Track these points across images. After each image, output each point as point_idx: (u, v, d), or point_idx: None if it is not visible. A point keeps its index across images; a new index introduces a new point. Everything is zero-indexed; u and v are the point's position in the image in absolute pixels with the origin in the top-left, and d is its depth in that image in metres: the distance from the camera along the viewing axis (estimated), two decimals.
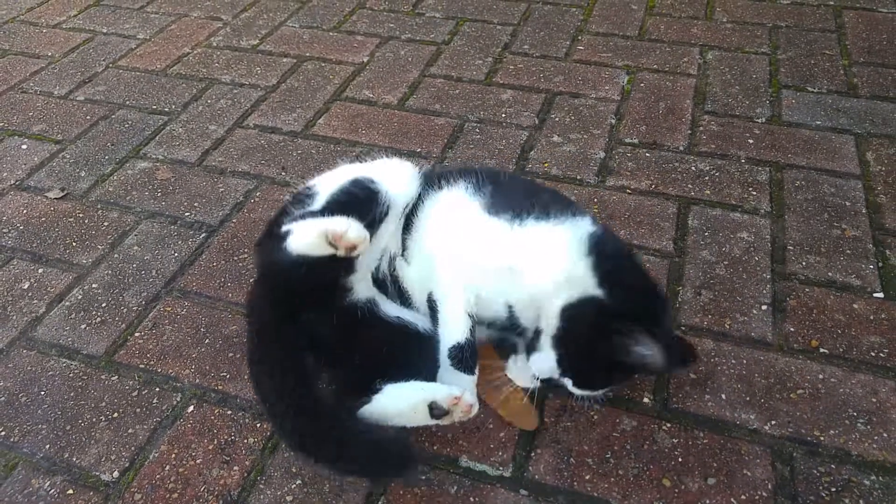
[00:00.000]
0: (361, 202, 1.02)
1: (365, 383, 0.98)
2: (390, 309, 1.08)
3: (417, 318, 1.09)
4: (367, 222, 0.99)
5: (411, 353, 1.04)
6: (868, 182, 1.51)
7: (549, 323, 0.99)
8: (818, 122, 1.70)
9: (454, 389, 0.96)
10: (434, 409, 0.95)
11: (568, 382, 1.00)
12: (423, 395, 0.96)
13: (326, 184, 1.09)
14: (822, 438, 1.03)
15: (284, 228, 0.98)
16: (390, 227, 1.09)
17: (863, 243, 1.36)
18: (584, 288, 0.98)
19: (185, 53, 2.09)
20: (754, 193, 1.49)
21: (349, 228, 0.93)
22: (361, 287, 1.08)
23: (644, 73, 1.92)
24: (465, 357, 1.02)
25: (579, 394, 1.01)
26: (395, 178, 1.10)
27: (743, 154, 1.61)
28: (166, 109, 1.83)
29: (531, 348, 1.02)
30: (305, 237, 0.95)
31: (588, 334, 0.97)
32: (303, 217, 1.00)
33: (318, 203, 1.04)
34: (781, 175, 1.54)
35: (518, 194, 1.10)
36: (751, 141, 1.65)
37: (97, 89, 1.93)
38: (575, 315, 0.97)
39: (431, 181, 1.14)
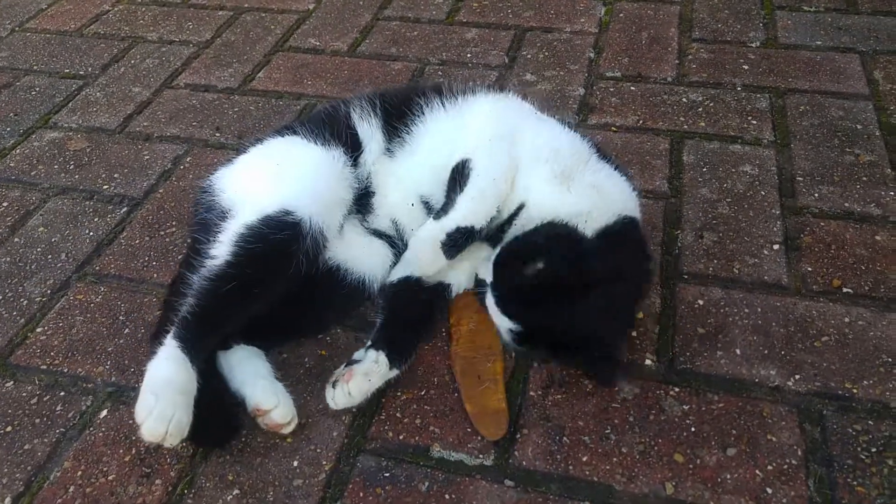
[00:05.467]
0: (278, 252, 0.86)
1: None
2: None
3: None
4: (294, 271, 0.86)
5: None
6: (879, 102, 1.40)
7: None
8: (818, 43, 1.59)
9: (266, 401, 0.85)
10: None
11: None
12: (248, 391, 0.87)
13: (242, 210, 0.90)
14: (854, 391, 0.89)
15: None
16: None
17: (880, 168, 1.24)
18: None
19: (103, 11, 1.87)
20: (755, 122, 1.37)
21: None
22: None
23: (622, 3, 1.78)
24: (461, 245, 0.91)
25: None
26: (317, 191, 0.91)
27: (738, 81, 1.49)
28: (81, 73, 1.62)
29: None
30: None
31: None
32: (212, 276, 0.84)
33: (225, 248, 0.85)
34: (783, 101, 1.42)
35: None
36: (746, 67, 1.53)
37: None
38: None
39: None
